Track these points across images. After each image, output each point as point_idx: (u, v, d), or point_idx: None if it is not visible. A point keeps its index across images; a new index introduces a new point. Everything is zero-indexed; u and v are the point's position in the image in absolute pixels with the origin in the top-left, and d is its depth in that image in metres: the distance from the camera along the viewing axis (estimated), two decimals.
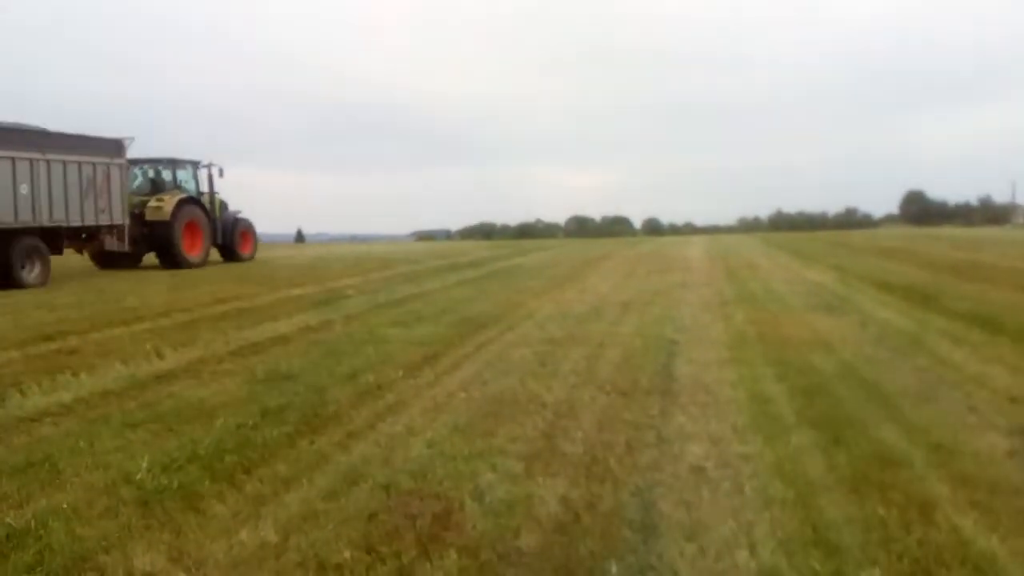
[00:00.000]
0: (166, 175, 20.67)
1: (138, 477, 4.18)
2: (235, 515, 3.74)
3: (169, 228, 18.89)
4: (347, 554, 3.28)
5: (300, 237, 72.72)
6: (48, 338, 8.52)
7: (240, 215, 22.83)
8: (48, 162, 15.08)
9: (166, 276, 17.01)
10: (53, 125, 15.69)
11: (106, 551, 3.34)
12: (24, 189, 14.51)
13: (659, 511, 3.70)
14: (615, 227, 75.61)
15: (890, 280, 13.63)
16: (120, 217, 17.35)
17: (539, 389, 6.07)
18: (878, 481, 3.98)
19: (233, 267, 19.53)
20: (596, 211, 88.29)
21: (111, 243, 17.78)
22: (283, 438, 4.90)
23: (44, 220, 15.07)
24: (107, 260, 18.93)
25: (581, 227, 77.65)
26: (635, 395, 5.87)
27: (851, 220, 75.82)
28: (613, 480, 4.10)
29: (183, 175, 20.93)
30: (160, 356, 7.54)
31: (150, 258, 20.20)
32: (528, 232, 66.07)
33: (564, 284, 14.78)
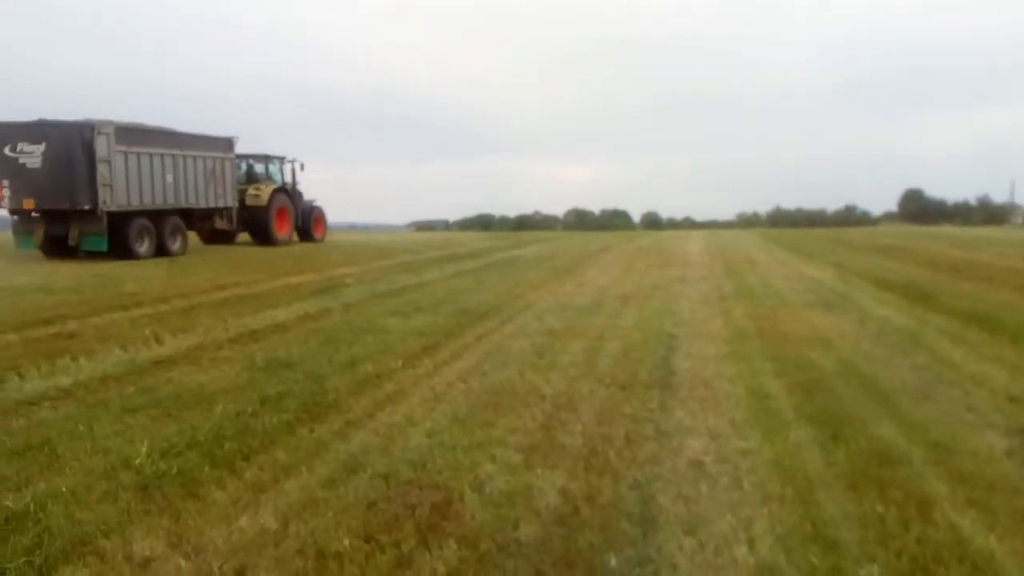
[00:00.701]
0: (259, 168, 24.05)
1: (137, 462, 4.19)
2: (235, 502, 3.75)
3: (265, 212, 22.69)
4: (346, 542, 3.29)
5: None
6: (47, 322, 8.50)
7: (314, 203, 26.25)
8: (184, 157, 19.07)
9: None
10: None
11: (105, 535, 3.35)
12: (169, 179, 18.58)
13: (658, 504, 3.71)
14: (614, 220, 75.53)
15: (889, 278, 13.64)
16: (231, 201, 21.46)
17: (538, 381, 6.07)
18: (876, 478, 3.99)
19: (232, 251, 19.58)
20: (595, 204, 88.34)
21: (220, 223, 21.58)
22: (282, 426, 4.90)
23: (182, 203, 19.12)
24: (212, 237, 22.29)
25: (580, 220, 77.56)
26: (634, 388, 5.88)
27: (850, 217, 75.83)
28: (612, 473, 4.11)
29: (273, 168, 24.39)
30: (159, 342, 7.54)
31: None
32: (526, 224, 66.03)
33: (563, 276, 14.78)
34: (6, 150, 16.25)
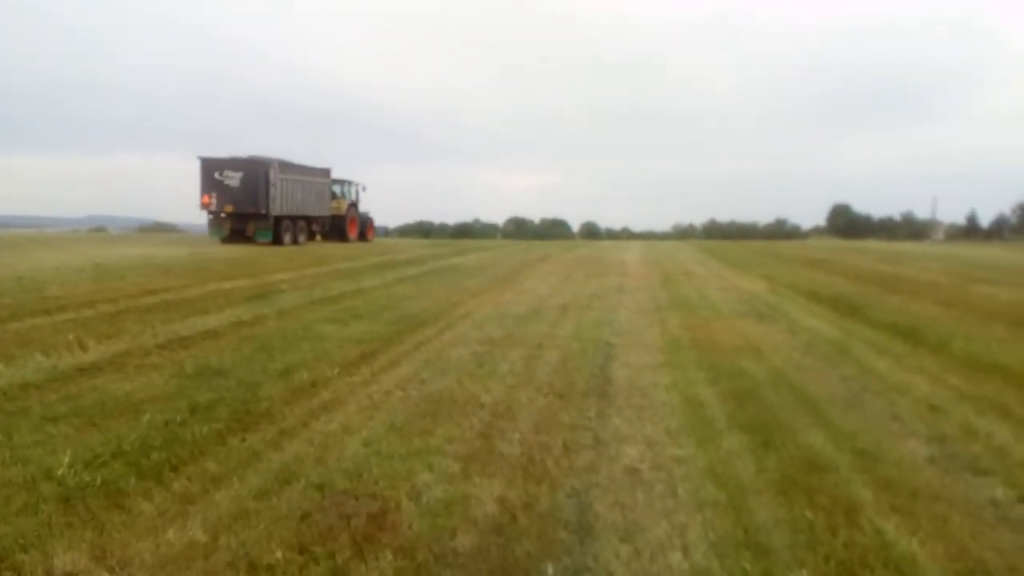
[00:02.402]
0: (336, 189, 33.03)
1: (59, 473, 4.01)
2: (162, 513, 3.62)
3: (343, 219, 33.01)
4: (279, 554, 3.22)
5: None
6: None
7: (368, 214, 35.98)
8: (305, 182, 29.31)
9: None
10: None
11: (24, 549, 3.20)
12: (299, 196, 28.72)
13: (595, 512, 3.73)
14: (553, 229, 76.13)
15: (818, 290, 14.08)
16: (327, 212, 31.76)
17: (477, 389, 6.06)
18: (806, 485, 4.10)
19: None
20: (535, 213, 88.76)
21: (315, 227, 31.00)
22: (213, 435, 4.77)
23: (305, 212, 29.31)
24: (309, 236, 30.39)
25: (519, 228, 77.91)
26: (572, 397, 5.92)
27: (781, 231, 78.11)
28: (550, 481, 4.12)
29: (346, 189, 34.03)
30: (83, 348, 7.26)
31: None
32: (466, 232, 65.99)
33: (503, 285, 14.80)
34: (215, 175, 26.34)
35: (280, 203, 27.40)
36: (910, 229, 76.29)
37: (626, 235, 77.45)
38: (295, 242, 28.42)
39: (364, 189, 35.34)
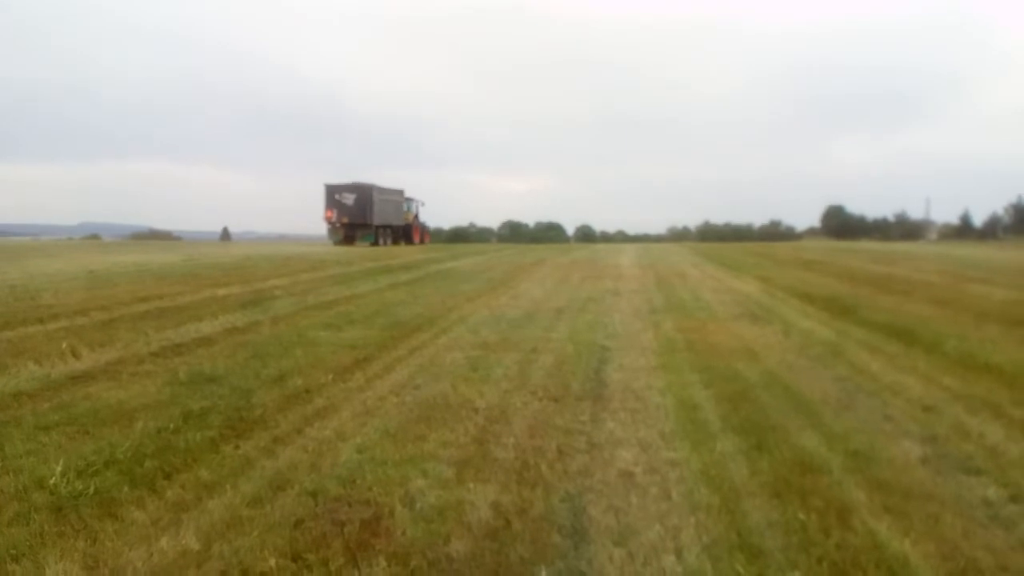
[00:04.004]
0: (405, 204, 43.72)
1: (52, 482, 4.01)
2: (155, 522, 3.61)
3: (411, 228, 43.69)
4: (272, 562, 3.21)
5: (226, 235, 70.93)
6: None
7: (426, 223, 47.38)
8: (388, 200, 40.64)
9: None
10: None
11: (15, 559, 3.19)
12: (388, 210, 40.31)
13: (589, 516, 3.73)
14: (548, 233, 76.13)
15: (812, 291, 14.11)
16: (402, 222, 42.52)
17: (471, 394, 6.06)
18: (799, 486, 4.11)
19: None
20: (530, 217, 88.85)
21: (394, 234, 41.42)
22: (206, 442, 4.76)
23: (388, 222, 40.38)
24: (378, 240, 39.60)
25: (514, 232, 77.89)
26: (567, 401, 5.92)
27: (775, 232, 78.36)
28: (544, 485, 4.12)
29: (411, 204, 44.57)
30: (76, 356, 7.24)
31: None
32: (461, 236, 65.94)
33: (498, 289, 14.81)
34: (335, 196, 38.30)
35: (378, 216, 39.14)
36: (904, 229, 76.62)
37: (621, 238, 77.53)
38: (384, 244, 38.97)
39: (423, 204, 46.28)
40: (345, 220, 38.20)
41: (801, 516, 3.71)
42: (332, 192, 38.42)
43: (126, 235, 60.82)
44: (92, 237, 51.57)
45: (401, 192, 42.87)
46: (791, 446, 4.78)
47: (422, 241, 44.67)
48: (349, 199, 38.09)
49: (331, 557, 3.27)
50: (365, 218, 38.15)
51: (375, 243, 37.83)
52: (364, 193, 38.18)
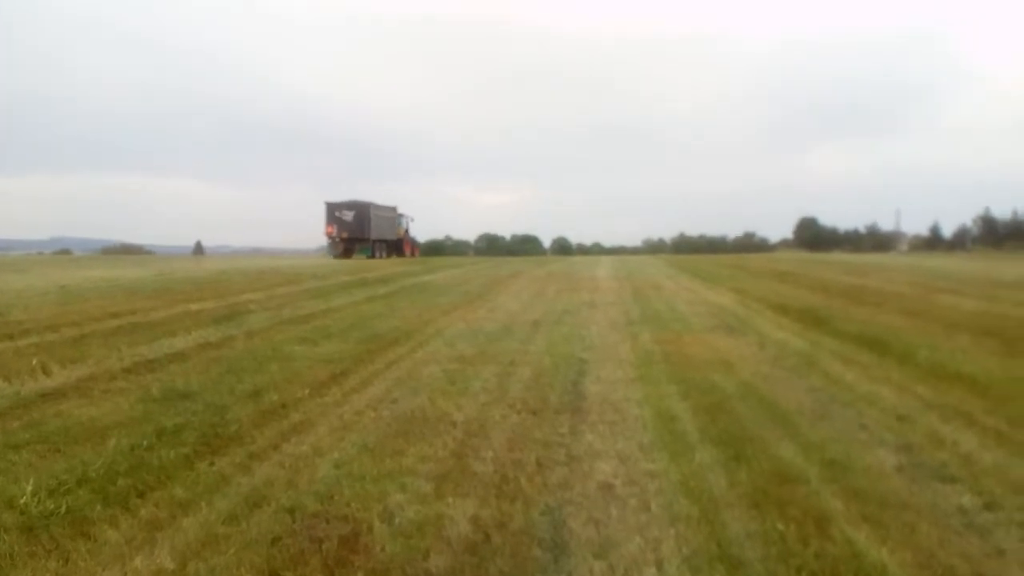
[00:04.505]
0: (397, 220, 46.85)
1: (22, 501, 3.92)
2: (128, 541, 3.55)
3: (401, 242, 46.73)
4: None
5: (199, 249, 70.23)
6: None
7: (415, 238, 50.82)
8: (383, 217, 43.97)
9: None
10: None
11: None
12: (383, 226, 43.79)
13: (569, 529, 3.72)
14: (525, 246, 76.30)
15: (786, 303, 14.25)
16: (395, 236, 45.63)
17: (449, 408, 6.03)
18: (777, 497, 4.12)
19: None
20: (506, 229, 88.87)
21: (388, 247, 44.18)
22: (180, 460, 4.68)
23: (383, 237, 43.88)
24: (374, 254, 42.60)
25: (491, 245, 77.97)
26: (545, 413, 5.91)
27: (749, 244, 79.21)
28: (524, 499, 4.10)
29: (403, 220, 47.80)
30: (47, 373, 7.11)
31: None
32: (437, 249, 65.79)
33: (474, 302, 14.79)
34: (335, 213, 40.90)
35: (375, 231, 42.30)
36: (875, 241, 77.74)
37: (597, 250, 77.89)
38: (379, 256, 42.04)
39: (413, 220, 49.82)
40: (345, 235, 41.20)
41: (780, 526, 3.72)
42: (332, 209, 41.24)
43: (97, 249, 60.05)
44: (63, 252, 50.92)
45: (394, 209, 46.28)
46: (769, 456, 4.80)
47: (412, 254, 47.71)
48: (348, 215, 41.11)
49: (309, 574, 3.23)
50: (363, 233, 41.35)
51: (371, 256, 41.05)
52: (362, 210, 41.40)
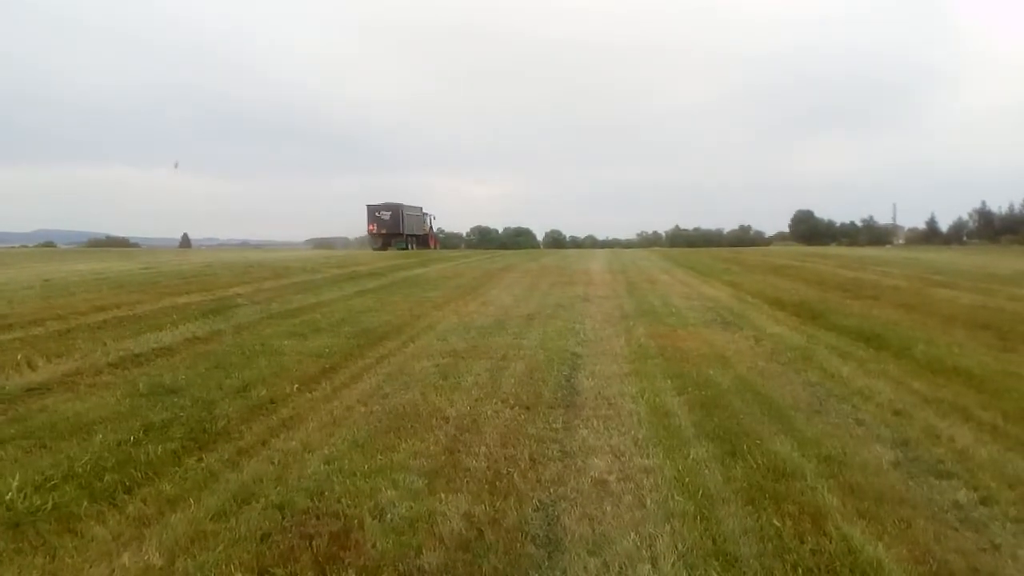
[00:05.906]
0: (423, 218, 54.48)
1: (8, 497, 3.86)
2: (116, 537, 3.49)
3: (427, 236, 54.84)
4: None
5: (186, 241, 69.86)
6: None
7: (439, 232, 59.24)
8: (413, 215, 52.49)
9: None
10: None
11: None
12: (413, 223, 52.31)
13: (563, 525, 3.66)
14: (518, 238, 76.27)
15: (782, 297, 14.22)
16: (422, 232, 54.35)
17: (441, 403, 5.96)
18: (773, 492, 4.08)
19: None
20: (499, 222, 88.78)
21: (417, 241, 52.29)
22: (168, 455, 4.61)
23: (414, 232, 52.26)
24: (409, 246, 49.60)
25: (484, 238, 77.91)
26: (538, 409, 5.85)
27: (744, 237, 79.37)
28: (517, 495, 4.05)
29: (428, 217, 55.28)
30: (32, 367, 7.01)
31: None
32: None
33: (467, 296, 14.72)
34: (376, 213, 49.98)
35: (407, 228, 50.29)
36: (871, 234, 77.94)
37: (591, 243, 77.95)
38: (411, 249, 48.04)
39: (435, 217, 57.79)
40: (384, 232, 49.76)
41: (776, 522, 3.68)
42: (373, 211, 50.01)
43: (82, 242, 59.67)
44: (47, 244, 50.61)
45: (421, 208, 54.66)
46: (764, 452, 4.76)
47: (435, 247, 55.05)
48: (386, 215, 49.79)
49: (299, 571, 3.17)
50: (398, 229, 49.81)
51: (405, 248, 48.03)
52: (396, 210, 50.08)
